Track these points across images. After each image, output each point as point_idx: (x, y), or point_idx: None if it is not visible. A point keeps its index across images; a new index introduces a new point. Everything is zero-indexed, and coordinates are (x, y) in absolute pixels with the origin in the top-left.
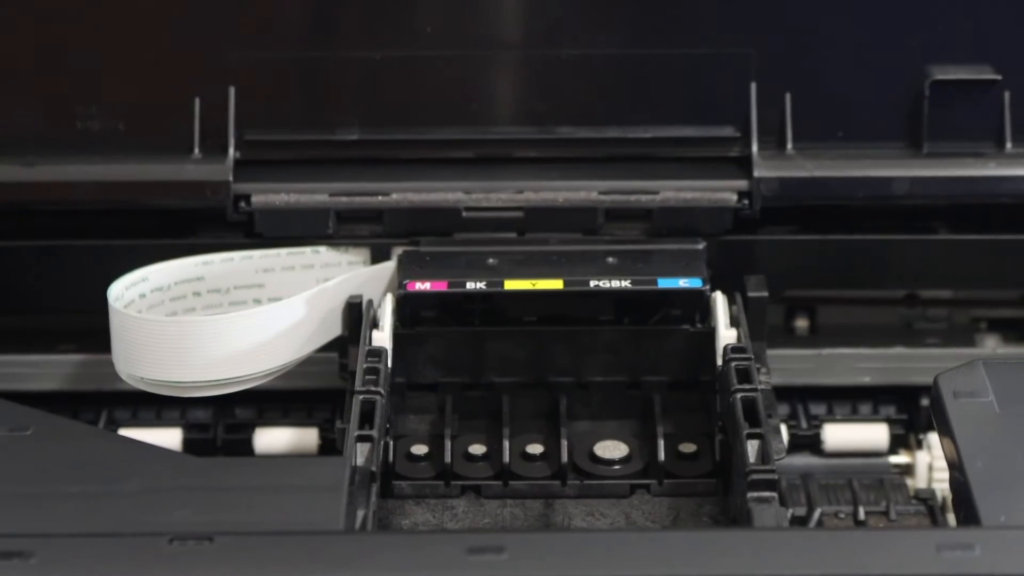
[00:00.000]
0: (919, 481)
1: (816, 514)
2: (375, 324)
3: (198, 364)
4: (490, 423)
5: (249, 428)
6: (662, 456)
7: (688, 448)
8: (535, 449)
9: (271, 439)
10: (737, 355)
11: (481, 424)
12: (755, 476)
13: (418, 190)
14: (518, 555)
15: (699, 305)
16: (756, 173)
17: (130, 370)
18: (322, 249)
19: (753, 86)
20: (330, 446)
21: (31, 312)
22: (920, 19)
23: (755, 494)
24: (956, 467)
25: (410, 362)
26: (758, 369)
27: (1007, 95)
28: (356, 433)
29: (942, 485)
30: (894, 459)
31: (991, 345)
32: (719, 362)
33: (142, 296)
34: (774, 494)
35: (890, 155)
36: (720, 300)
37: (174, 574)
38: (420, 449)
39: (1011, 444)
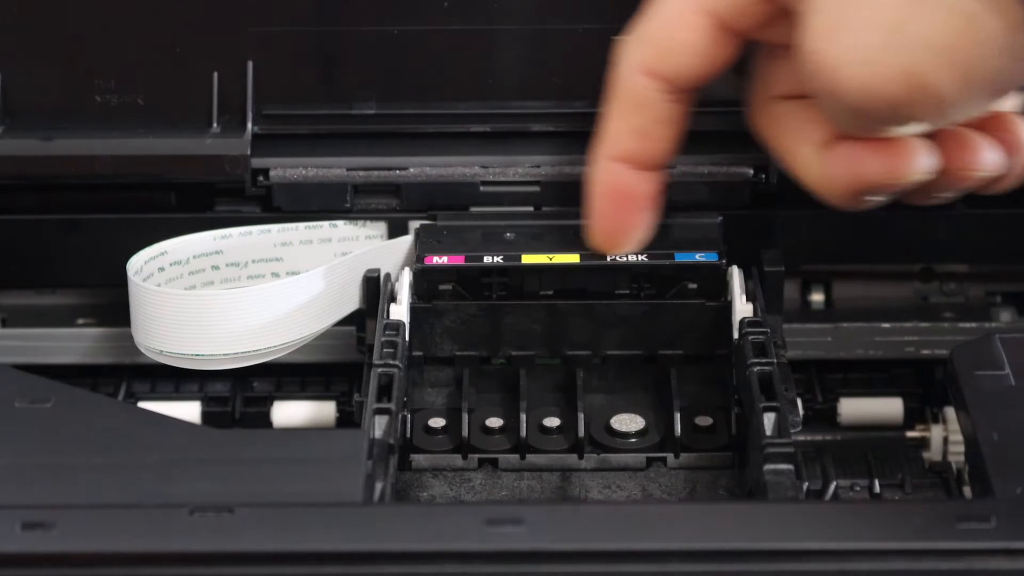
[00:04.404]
0: (934, 454)
1: (832, 487)
2: (393, 298)
3: (216, 337)
4: (507, 396)
5: (267, 401)
6: (678, 429)
7: (704, 421)
8: (552, 422)
9: (289, 412)
10: (753, 329)
11: (498, 397)
12: (771, 449)
13: (435, 164)
14: (536, 527)
15: (716, 279)
16: None
17: (149, 343)
18: (340, 223)
19: None
20: (348, 419)
21: (51, 286)
22: None
23: (771, 467)
24: (971, 440)
25: (427, 335)
26: (774, 343)
27: None
28: (374, 406)
29: (957, 458)
30: (909, 432)
31: (1006, 319)
32: (735, 336)
33: (161, 270)
34: (790, 467)
35: None
36: (736, 274)
37: (195, 544)
38: (437, 422)
39: None
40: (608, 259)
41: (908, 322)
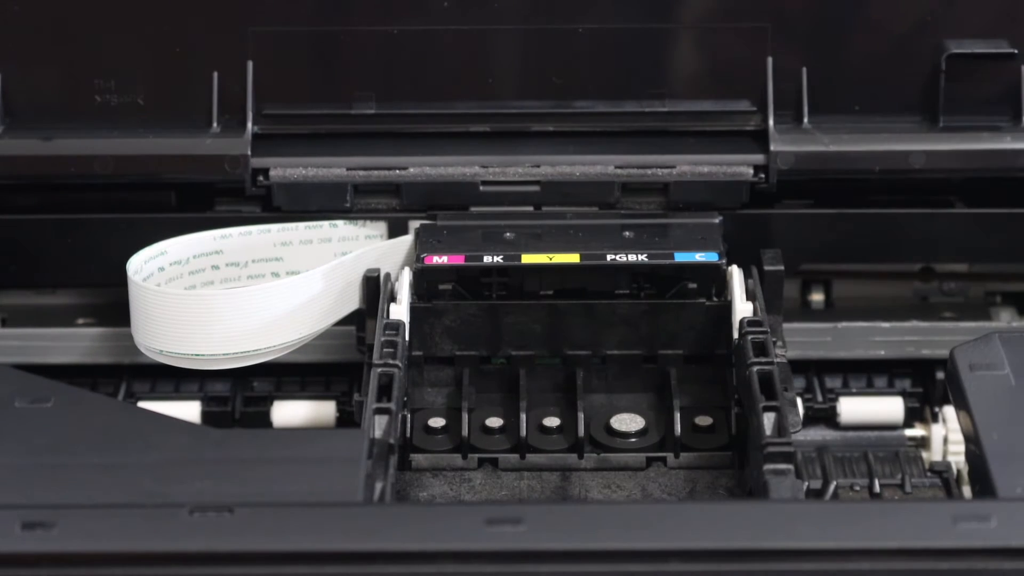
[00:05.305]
0: (934, 454)
1: (832, 487)
2: (393, 298)
3: (216, 337)
4: (507, 396)
5: (267, 401)
6: (678, 429)
7: (704, 421)
8: (552, 422)
9: (289, 412)
10: (753, 328)
11: (498, 397)
12: (771, 448)
13: (435, 164)
14: (536, 526)
15: (715, 279)
16: (772, 147)
17: (149, 343)
18: (340, 223)
19: (769, 60)
20: (348, 419)
21: (51, 286)
22: None
23: (771, 466)
24: (972, 439)
25: (427, 335)
26: (774, 342)
27: (1023, 69)
28: (374, 406)
29: (957, 458)
30: (909, 432)
31: (1006, 318)
32: (735, 335)
33: (161, 269)
34: (790, 466)
35: (906, 129)
36: (736, 274)
37: (195, 544)
38: (437, 422)
39: None
40: (608, 259)
41: (908, 322)
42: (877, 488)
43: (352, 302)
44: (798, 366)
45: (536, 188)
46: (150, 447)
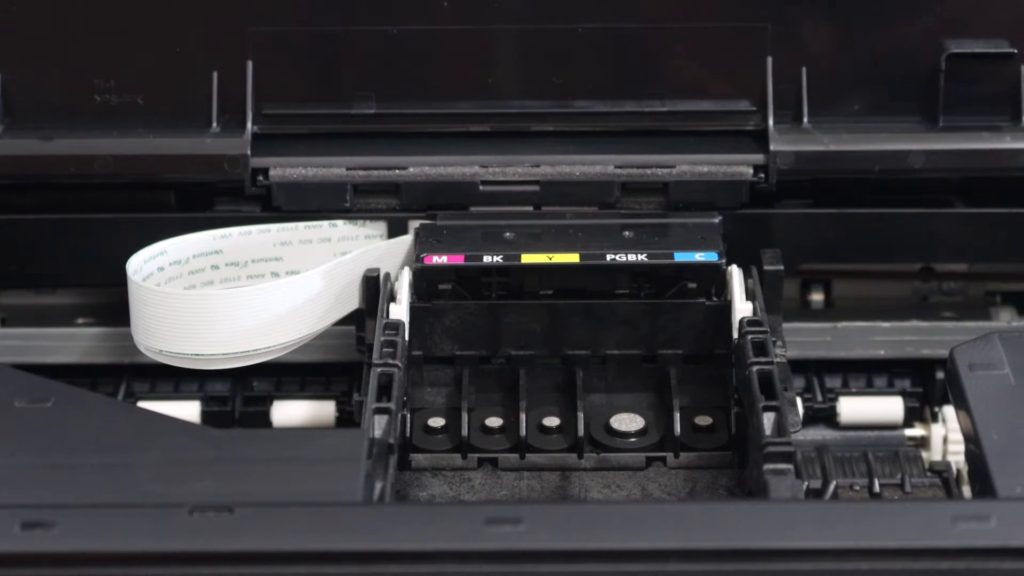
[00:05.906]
0: (934, 454)
1: (831, 486)
2: (392, 297)
3: (216, 337)
4: (506, 396)
5: (267, 401)
6: (678, 429)
7: (704, 421)
8: (551, 422)
9: (289, 412)
10: (753, 328)
11: (498, 397)
12: (771, 448)
13: (435, 164)
14: (535, 526)
15: (715, 278)
16: (772, 147)
17: (149, 343)
18: (339, 223)
19: (769, 60)
20: (347, 419)
21: (51, 286)
22: None
23: (771, 466)
24: (972, 439)
25: (427, 335)
26: (774, 342)
27: (1023, 69)
28: (374, 405)
29: (957, 458)
30: (909, 432)
31: (1006, 318)
32: (735, 335)
33: (160, 269)
34: (790, 466)
35: (906, 129)
36: (736, 274)
37: (194, 544)
38: (437, 422)
39: None
40: (608, 259)
41: (908, 321)
42: (877, 488)
43: (352, 302)
44: (798, 366)
45: (536, 188)
46: (150, 447)
